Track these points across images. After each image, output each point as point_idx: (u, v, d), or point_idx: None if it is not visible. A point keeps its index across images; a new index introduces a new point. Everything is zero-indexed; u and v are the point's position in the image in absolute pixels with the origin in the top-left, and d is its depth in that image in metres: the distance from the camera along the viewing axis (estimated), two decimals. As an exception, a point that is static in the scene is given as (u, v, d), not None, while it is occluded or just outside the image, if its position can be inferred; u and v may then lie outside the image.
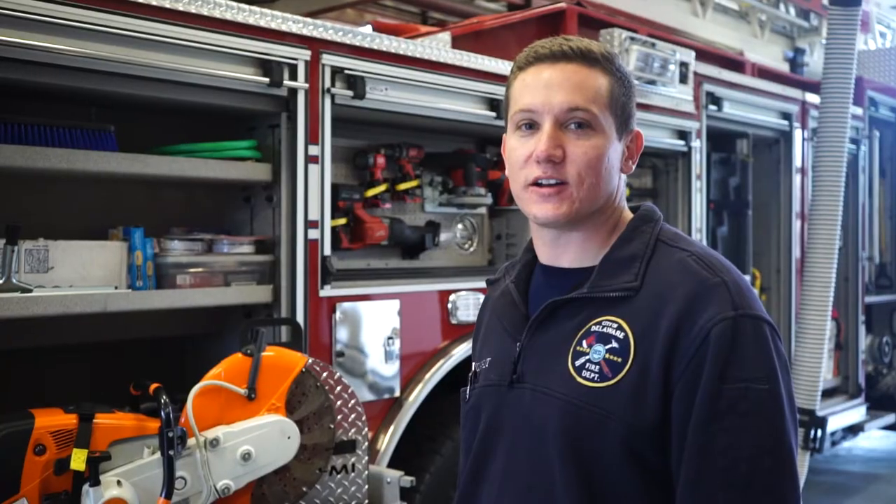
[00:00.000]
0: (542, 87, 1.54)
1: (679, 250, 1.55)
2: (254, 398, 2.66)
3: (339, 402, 2.78)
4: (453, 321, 3.72)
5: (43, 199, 2.96)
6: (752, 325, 1.44)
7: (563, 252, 1.62)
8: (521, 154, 1.56)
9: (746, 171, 5.57)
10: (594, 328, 1.52)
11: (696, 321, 1.44)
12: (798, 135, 5.82)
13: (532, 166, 1.54)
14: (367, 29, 4.10)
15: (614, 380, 1.47)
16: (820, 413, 5.38)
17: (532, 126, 1.56)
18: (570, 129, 1.54)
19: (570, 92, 1.53)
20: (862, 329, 6.45)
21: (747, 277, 5.45)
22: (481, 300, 1.94)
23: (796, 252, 5.78)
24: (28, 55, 2.53)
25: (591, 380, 1.49)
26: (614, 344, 1.49)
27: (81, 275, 2.73)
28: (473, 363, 1.76)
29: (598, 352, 1.50)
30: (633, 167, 1.65)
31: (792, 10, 7.79)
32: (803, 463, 5.36)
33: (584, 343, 1.52)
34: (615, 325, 1.50)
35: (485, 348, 1.74)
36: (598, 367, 1.49)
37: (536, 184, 1.54)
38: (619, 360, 1.48)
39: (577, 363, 1.52)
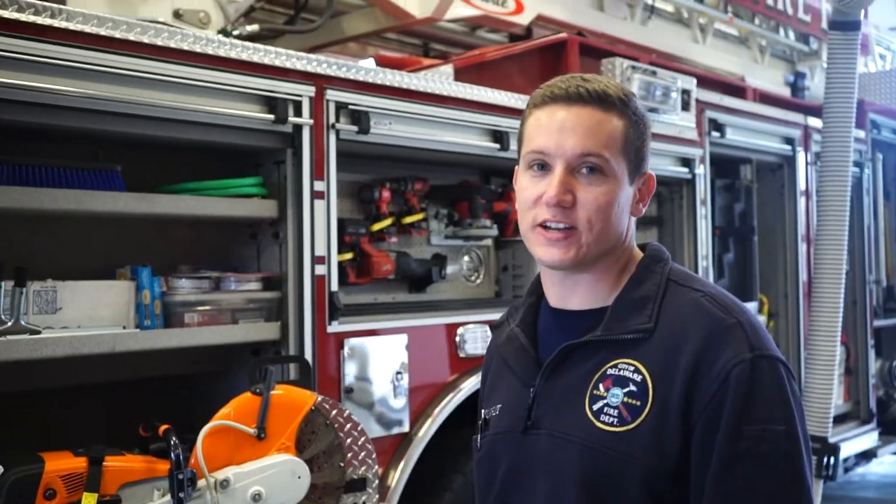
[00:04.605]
0: (555, 130, 1.54)
1: (691, 290, 1.55)
2: (263, 438, 2.64)
3: (348, 440, 2.77)
4: (461, 354, 3.71)
5: (50, 239, 2.96)
6: (770, 365, 1.44)
7: (571, 293, 1.61)
8: (531, 194, 1.56)
9: (751, 197, 5.57)
10: (610, 371, 1.51)
11: (715, 362, 1.43)
12: (801, 159, 5.82)
13: (541, 208, 1.54)
14: (370, 62, 4.13)
15: (634, 423, 1.46)
16: (832, 440, 5.32)
17: (544, 167, 1.55)
18: (581, 173, 1.53)
19: (583, 137, 1.52)
20: (871, 353, 6.41)
21: (754, 304, 5.43)
22: (489, 333, 1.91)
23: (803, 276, 5.75)
24: (35, 97, 2.54)
25: (611, 424, 1.48)
26: (632, 387, 1.48)
27: (90, 315, 2.73)
28: (482, 410, 1.74)
29: (616, 395, 1.49)
30: (644, 210, 1.65)
31: (791, 35, 7.80)
32: (817, 491, 5.30)
33: (601, 387, 1.51)
34: (632, 368, 1.49)
35: (493, 394, 1.72)
36: (616, 410, 1.48)
37: (544, 226, 1.54)
38: (638, 403, 1.47)
39: (595, 407, 1.50)
